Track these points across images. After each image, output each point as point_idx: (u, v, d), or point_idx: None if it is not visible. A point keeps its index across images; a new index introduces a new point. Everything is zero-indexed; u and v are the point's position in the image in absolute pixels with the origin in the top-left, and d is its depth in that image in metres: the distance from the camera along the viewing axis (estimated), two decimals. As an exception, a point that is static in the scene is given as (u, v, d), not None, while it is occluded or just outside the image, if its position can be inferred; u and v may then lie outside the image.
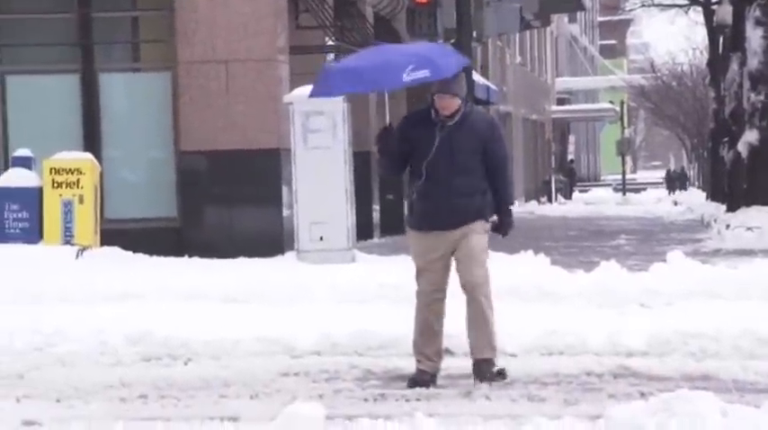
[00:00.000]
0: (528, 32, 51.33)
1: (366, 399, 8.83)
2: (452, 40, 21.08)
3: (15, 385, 9.41)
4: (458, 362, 9.51)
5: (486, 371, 8.17)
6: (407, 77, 8.16)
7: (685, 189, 63.42)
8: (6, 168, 19.24)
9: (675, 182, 70.25)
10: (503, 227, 8.85)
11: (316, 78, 8.94)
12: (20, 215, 18.50)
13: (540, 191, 53.98)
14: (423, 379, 8.85)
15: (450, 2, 19.79)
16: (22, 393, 9.09)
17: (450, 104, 8.53)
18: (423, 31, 20.94)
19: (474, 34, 20.63)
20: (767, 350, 10.07)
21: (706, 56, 41.95)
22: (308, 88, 18.08)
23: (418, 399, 8.63)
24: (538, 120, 57.27)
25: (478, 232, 8.73)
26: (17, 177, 18.70)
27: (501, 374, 8.25)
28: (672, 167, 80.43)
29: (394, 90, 8.66)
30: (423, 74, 8.14)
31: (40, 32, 20.47)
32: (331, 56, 22.68)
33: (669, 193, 62.23)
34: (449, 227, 8.63)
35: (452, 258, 8.78)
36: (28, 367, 10.04)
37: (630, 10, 58.32)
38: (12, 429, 7.66)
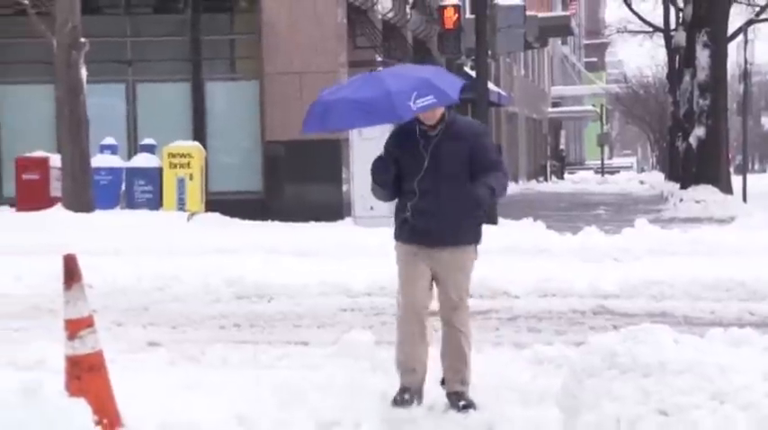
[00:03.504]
0: (530, 52, 50.93)
1: (405, 329, 8.83)
2: (472, 57, 20.97)
3: (142, 315, 9.51)
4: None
5: (454, 402, 5.96)
6: (415, 106, 5.68)
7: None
8: (136, 153, 19.41)
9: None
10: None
11: (309, 109, 5.94)
12: (145, 189, 18.65)
13: (538, 172, 53.63)
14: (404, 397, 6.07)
15: (471, 28, 19.69)
16: (147, 321, 9.20)
17: (433, 114, 5.94)
18: (449, 50, 20.83)
19: (489, 53, 20.48)
20: (710, 293, 10.04)
21: (666, 70, 41.51)
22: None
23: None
24: (537, 119, 56.83)
25: (466, 266, 6.12)
26: (143, 160, 18.87)
27: (467, 407, 5.91)
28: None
29: (402, 121, 5.95)
30: (429, 100, 5.71)
31: (161, 51, 20.56)
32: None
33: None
34: (440, 244, 5.98)
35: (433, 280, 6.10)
36: (151, 302, 10.13)
37: (609, 35, 58.04)
38: (139, 348, 7.73)
